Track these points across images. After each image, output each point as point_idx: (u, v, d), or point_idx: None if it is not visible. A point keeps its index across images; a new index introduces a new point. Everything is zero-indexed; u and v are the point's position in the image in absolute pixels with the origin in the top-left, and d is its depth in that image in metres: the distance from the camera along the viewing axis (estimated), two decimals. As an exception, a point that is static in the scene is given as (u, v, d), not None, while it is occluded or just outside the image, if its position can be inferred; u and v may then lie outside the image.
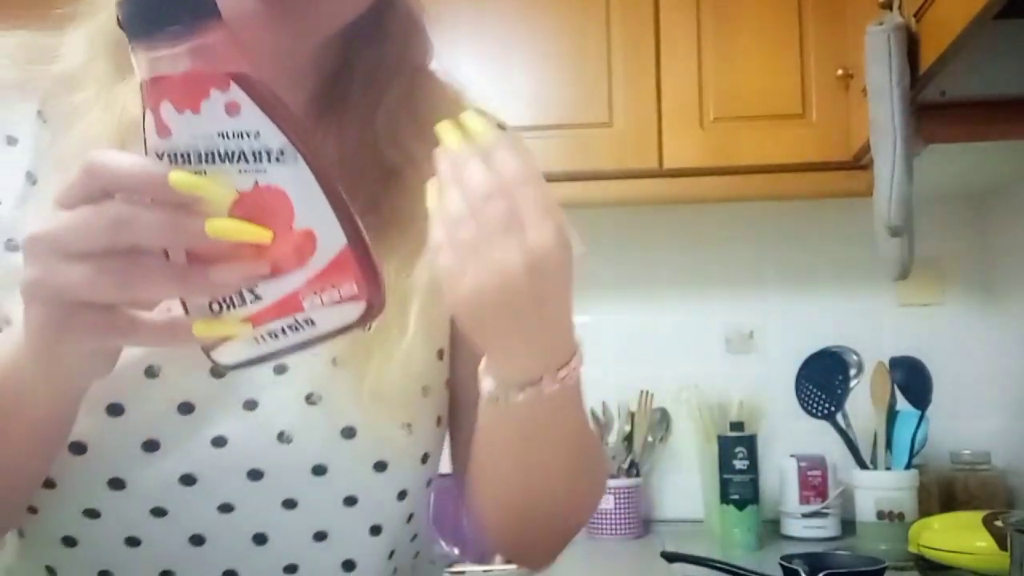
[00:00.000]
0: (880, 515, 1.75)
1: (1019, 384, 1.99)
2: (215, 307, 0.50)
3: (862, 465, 1.82)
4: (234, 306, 0.50)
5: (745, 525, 1.84)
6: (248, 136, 0.47)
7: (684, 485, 2.12)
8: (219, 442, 0.65)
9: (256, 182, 0.48)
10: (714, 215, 2.15)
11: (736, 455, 1.86)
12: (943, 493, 1.89)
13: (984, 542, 1.47)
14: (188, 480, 0.65)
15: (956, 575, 1.53)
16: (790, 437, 2.02)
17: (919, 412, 1.81)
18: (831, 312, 2.13)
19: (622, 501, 2.00)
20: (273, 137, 0.47)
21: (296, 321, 0.50)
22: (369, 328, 0.52)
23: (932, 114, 1.44)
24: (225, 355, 0.52)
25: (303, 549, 0.68)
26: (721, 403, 2.05)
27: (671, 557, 1.66)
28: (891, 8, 1.38)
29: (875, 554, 1.56)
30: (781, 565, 1.49)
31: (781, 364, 2.01)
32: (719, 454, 1.88)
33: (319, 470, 0.67)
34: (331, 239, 0.49)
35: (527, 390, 0.61)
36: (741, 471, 1.85)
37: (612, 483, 2.01)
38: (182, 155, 0.47)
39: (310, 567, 0.69)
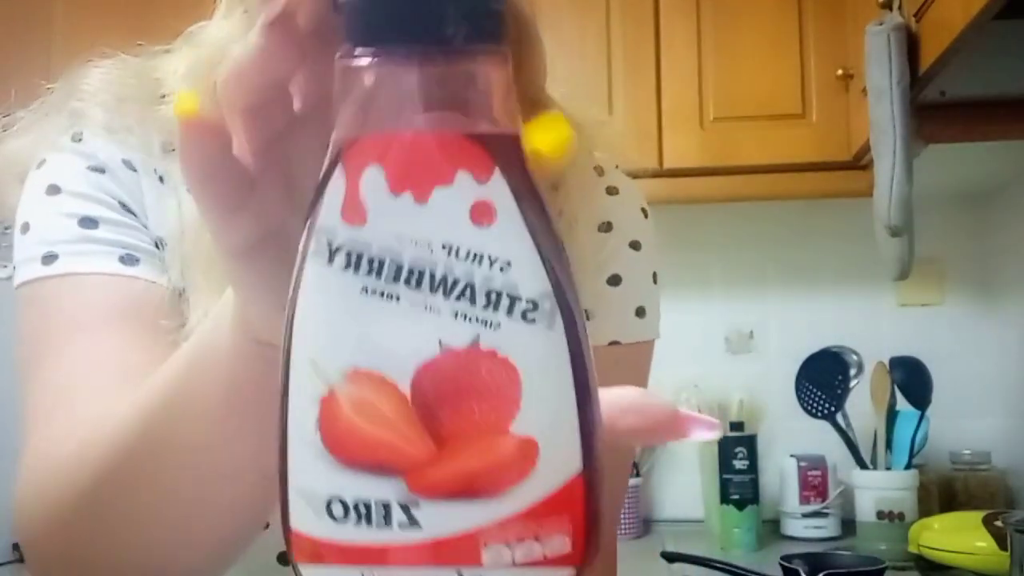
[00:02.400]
0: (880, 515, 1.75)
1: (1019, 384, 1.98)
2: (339, 513, 0.30)
3: (862, 465, 1.82)
4: (369, 520, 0.30)
5: (745, 525, 1.84)
6: (492, 264, 0.29)
7: (684, 485, 2.12)
8: None
9: (478, 339, 0.29)
10: (714, 215, 2.15)
11: (736, 455, 1.86)
12: (943, 493, 1.89)
13: (984, 542, 1.47)
14: None
15: (956, 575, 1.53)
16: (790, 437, 2.02)
17: (919, 412, 1.81)
18: (831, 312, 2.13)
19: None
20: (532, 277, 0.29)
21: None
22: None
23: (932, 114, 1.44)
24: None
25: None
26: (721, 403, 2.05)
27: (671, 557, 1.66)
28: (891, 8, 1.38)
29: (875, 554, 1.56)
30: (781, 565, 1.49)
31: (781, 364, 2.01)
32: (719, 454, 1.88)
33: None
34: (560, 460, 0.30)
35: None
36: (741, 471, 1.85)
37: (612, 483, 2.01)
38: (372, 261, 0.29)
39: None
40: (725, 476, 1.86)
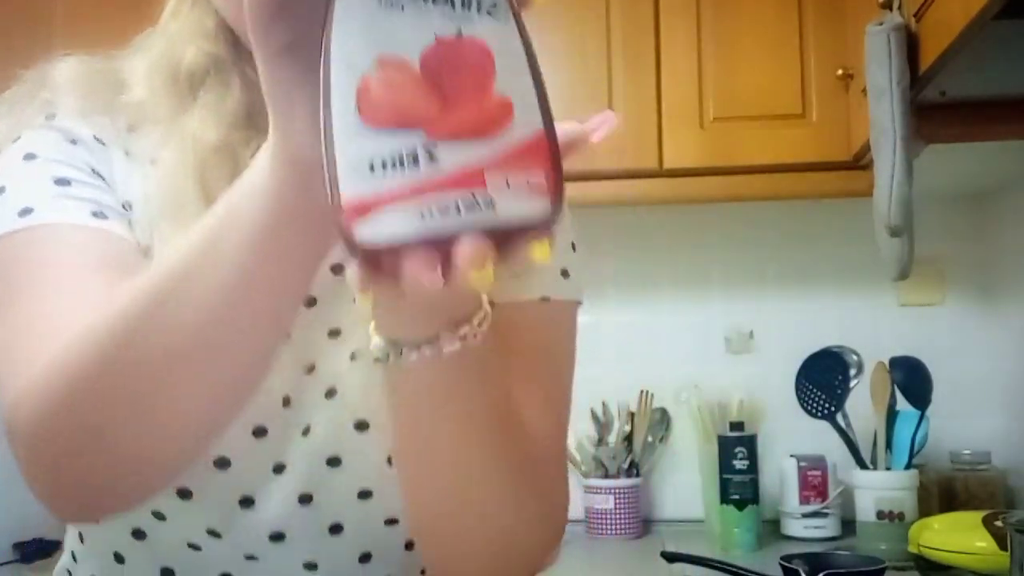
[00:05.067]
0: (880, 515, 1.75)
1: (1019, 384, 1.98)
2: (379, 168, 0.41)
3: (862, 465, 1.82)
4: (402, 165, 0.41)
5: (745, 525, 1.84)
6: None
7: (684, 485, 2.12)
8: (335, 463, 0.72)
9: (460, 30, 0.42)
10: (714, 215, 2.15)
11: (736, 455, 1.86)
12: (943, 493, 1.89)
13: (984, 542, 1.47)
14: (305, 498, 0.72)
15: (956, 575, 1.53)
16: (790, 437, 2.02)
17: (919, 412, 1.81)
18: (831, 312, 2.13)
19: (622, 501, 2.00)
20: None
21: (475, 198, 0.41)
22: (549, 237, 0.43)
23: (932, 114, 1.44)
24: (374, 229, 0.42)
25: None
26: (721, 403, 2.05)
27: (671, 557, 1.66)
28: (891, 8, 1.38)
29: (875, 554, 1.56)
30: (781, 565, 1.49)
31: (781, 364, 2.01)
32: (719, 454, 1.88)
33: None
34: (528, 117, 0.43)
35: (422, 349, 0.54)
36: (741, 471, 1.85)
37: (612, 483, 2.01)
38: None
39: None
40: (725, 476, 1.86)
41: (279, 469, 0.71)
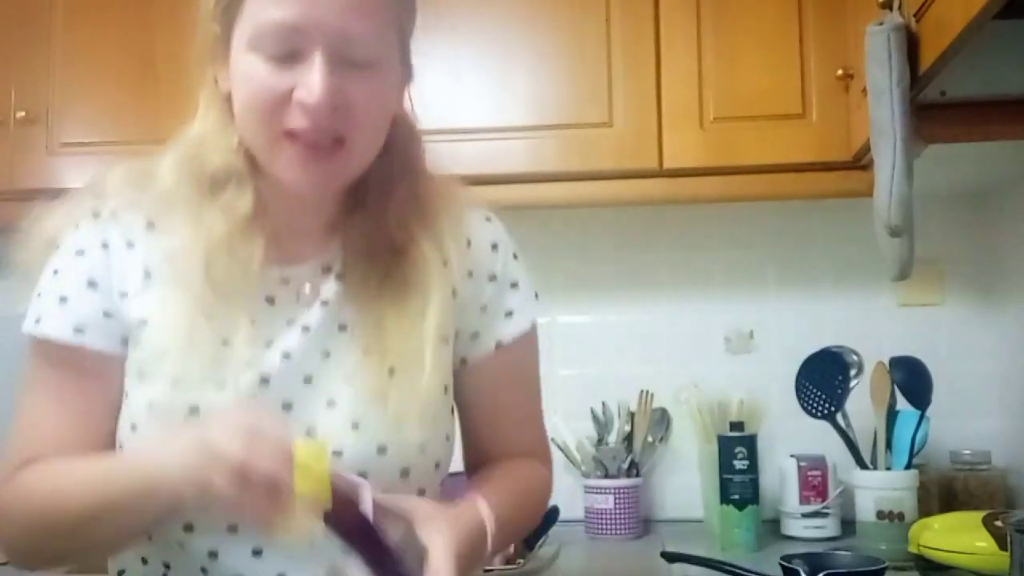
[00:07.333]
0: (880, 515, 1.75)
1: (1019, 384, 1.99)
2: None
3: (862, 465, 1.82)
4: None
5: (745, 525, 1.84)
6: None
7: (684, 485, 2.12)
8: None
9: None
10: (714, 215, 2.15)
11: (736, 455, 1.86)
12: (943, 493, 1.89)
13: (984, 542, 1.47)
14: None
15: (956, 575, 1.53)
16: (790, 437, 2.02)
17: (919, 412, 1.81)
18: (831, 312, 2.13)
19: (622, 501, 2.00)
20: None
21: None
22: None
23: (932, 114, 1.44)
24: None
25: None
26: (721, 403, 2.04)
27: (671, 557, 1.66)
28: (891, 8, 1.38)
29: (875, 554, 1.56)
30: (781, 565, 1.49)
31: (781, 364, 2.01)
32: (719, 454, 1.88)
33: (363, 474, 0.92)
34: None
35: None
36: (741, 471, 1.85)
37: (612, 483, 2.01)
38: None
39: None
40: (725, 476, 1.86)
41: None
